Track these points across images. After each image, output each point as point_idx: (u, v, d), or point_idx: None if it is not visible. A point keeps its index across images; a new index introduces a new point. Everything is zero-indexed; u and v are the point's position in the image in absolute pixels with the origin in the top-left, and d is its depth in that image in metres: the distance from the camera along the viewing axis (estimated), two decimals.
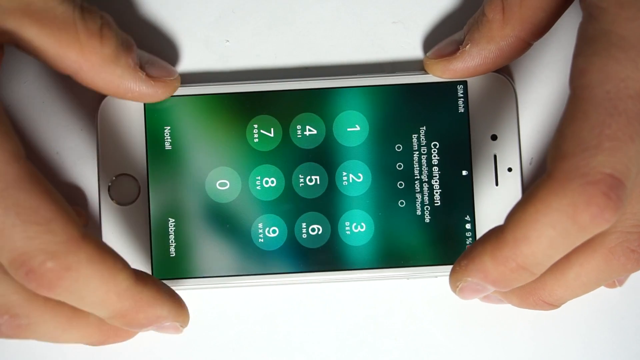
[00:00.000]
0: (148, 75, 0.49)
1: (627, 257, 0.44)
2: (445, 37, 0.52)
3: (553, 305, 0.49)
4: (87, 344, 0.48)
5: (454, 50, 0.50)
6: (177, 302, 0.47)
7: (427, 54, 0.51)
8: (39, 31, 0.46)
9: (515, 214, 0.41)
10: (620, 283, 0.51)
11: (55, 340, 0.46)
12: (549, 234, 0.40)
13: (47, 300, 0.44)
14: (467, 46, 0.49)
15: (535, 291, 0.47)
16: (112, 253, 0.43)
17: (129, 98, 0.49)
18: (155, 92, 0.49)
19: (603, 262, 0.45)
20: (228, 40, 0.53)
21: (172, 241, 0.51)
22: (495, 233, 0.42)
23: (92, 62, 0.47)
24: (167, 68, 0.50)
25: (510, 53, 0.49)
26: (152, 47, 0.52)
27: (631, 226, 0.44)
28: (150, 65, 0.50)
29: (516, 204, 0.41)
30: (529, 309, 0.49)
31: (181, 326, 0.48)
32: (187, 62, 0.53)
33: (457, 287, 0.45)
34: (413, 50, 0.53)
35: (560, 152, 0.40)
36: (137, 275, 0.44)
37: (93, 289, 0.42)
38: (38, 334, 0.46)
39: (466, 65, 0.50)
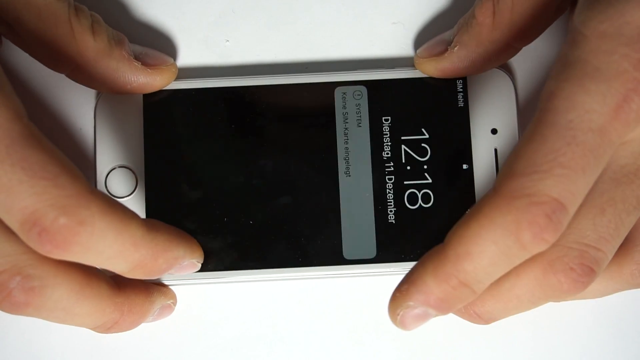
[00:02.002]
0: (144, 64, 0.50)
1: (565, 274, 0.43)
2: None
3: (482, 318, 0.48)
4: (99, 323, 0.47)
5: (443, 50, 0.51)
6: (189, 240, 0.47)
7: (417, 51, 0.52)
8: (36, 25, 0.47)
9: (458, 230, 0.41)
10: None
11: (68, 314, 0.45)
12: (491, 250, 0.40)
13: (59, 262, 0.43)
14: (455, 48, 0.50)
15: None
16: (121, 205, 0.43)
17: (129, 90, 0.50)
18: (153, 80, 0.50)
19: (541, 274, 0.44)
20: (228, 40, 0.53)
21: None
22: (436, 252, 0.42)
23: (87, 57, 0.48)
24: (162, 56, 0.51)
25: (498, 57, 0.49)
26: (152, 46, 0.53)
27: (573, 241, 0.43)
28: (145, 55, 0.51)
29: (459, 221, 0.41)
30: (460, 317, 0.49)
31: (197, 262, 0.48)
32: (188, 62, 0.53)
33: (398, 315, 0.43)
34: (412, 51, 0.53)
35: (511, 171, 0.40)
36: (148, 222, 0.44)
37: (110, 242, 0.42)
38: (51, 301, 0.44)
39: (454, 67, 0.50)
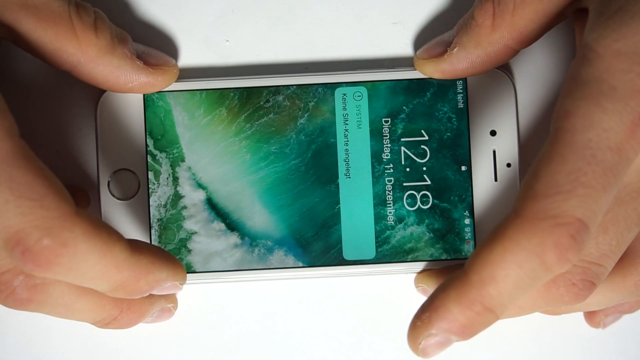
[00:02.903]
0: (146, 64, 0.50)
1: (566, 288, 0.45)
2: None
3: None
4: (99, 319, 0.48)
5: (442, 51, 0.50)
6: (173, 263, 0.47)
7: (417, 53, 0.52)
8: (36, 25, 0.46)
9: (481, 254, 0.41)
10: (604, 325, 0.52)
11: (68, 309, 0.46)
12: (516, 274, 0.40)
13: None
14: (455, 49, 0.50)
15: None
16: (106, 226, 0.43)
17: (129, 89, 0.50)
18: (155, 80, 0.50)
19: (543, 288, 0.45)
20: (228, 40, 0.53)
21: (171, 234, 0.51)
22: (458, 277, 0.41)
23: (89, 54, 0.48)
24: (164, 57, 0.51)
25: (497, 58, 0.49)
26: (152, 46, 0.52)
27: (577, 259, 0.44)
28: (147, 54, 0.51)
29: (479, 245, 0.41)
30: None
31: (180, 284, 0.48)
32: (188, 62, 0.53)
33: (419, 344, 0.42)
34: (412, 51, 0.53)
35: (533, 192, 0.40)
36: (133, 244, 0.44)
37: (92, 263, 0.42)
38: (53, 298, 0.45)
39: (454, 68, 0.50)
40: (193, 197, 0.52)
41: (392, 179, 0.52)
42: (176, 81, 0.52)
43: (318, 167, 0.52)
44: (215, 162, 0.52)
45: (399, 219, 0.52)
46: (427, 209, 0.52)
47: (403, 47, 0.53)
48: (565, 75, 0.42)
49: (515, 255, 0.40)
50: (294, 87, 0.52)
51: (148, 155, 0.52)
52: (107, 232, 0.43)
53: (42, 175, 0.41)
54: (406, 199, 0.52)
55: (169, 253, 0.47)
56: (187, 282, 0.51)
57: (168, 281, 0.46)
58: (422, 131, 0.52)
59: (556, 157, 0.40)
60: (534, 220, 0.39)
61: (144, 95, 0.52)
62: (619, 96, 0.40)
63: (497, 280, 0.40)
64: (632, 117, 0.40)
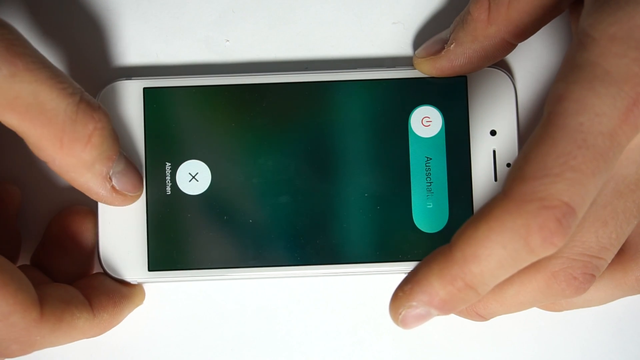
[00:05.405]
0: (114, 185, 0.49)
1: (568, 283, 0.45)
2: None
3: (483, 317, 0.49)
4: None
5: (440, 49, 0.50)
6: (84, 309, 0.49)
7: (416, 52, 0.52)
8: (20, 122, 0.45)
9: (466, 232, 0.41)
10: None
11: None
12: (499, 253, 0.40)
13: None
14: (452, 45, 0.50)
15: None
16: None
17: (87, 194, 0.50)
18: (112, 201, 0.50)
19: (544, 284, 0.45)
20: (228, 40, 0.53)
21: (168, 232, 0.51)
22: (442, 253, 0.42)
23: (67, 162, 0.47)
24: (134, 182, 0.51)
25: (494, 53, 0.49)
26: (152, 46, 0.53)
27: (577, 254, 0.44)
28: (121, 176, 0.50)
29: (466, 222, 0.41)
30: (459, 315, 0.50)
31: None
32: (188, 61, 0.53)
33: (400, 314, 0.43)
34: (412, 51, 0.54)
35: (522, 174, 0.40)
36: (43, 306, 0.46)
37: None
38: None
39: (452, 64, 0.50)
40: (192, 195, 0.52)
41: (390, 177, 0.52)
42: (177, 77, 0.52)
43: (318, 165, 0.52)
44: (214, 159, 0.52)
45: (399, 219, 0.52)
46: (426, 208, 0.52)
47: (403, 47, 0.53)
48: (562, 61, 0.42)
49: (499, 235, 0.39)
50: (294, 85, 0.52)
51: (147, 152, 0.52)
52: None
53: None
54: (404, 197, 0.52)
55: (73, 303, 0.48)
56: (187, 279, 0.51)
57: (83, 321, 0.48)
58: (422, 130, 0.52)
59: (547, 139, 0.40)
60: (520, 201, 0.39)
61: (144, 91, 0.52)
62: (613, 81, 0.39)
63: (480, 259, 0.40)
64: (625, 102, 0.39)
